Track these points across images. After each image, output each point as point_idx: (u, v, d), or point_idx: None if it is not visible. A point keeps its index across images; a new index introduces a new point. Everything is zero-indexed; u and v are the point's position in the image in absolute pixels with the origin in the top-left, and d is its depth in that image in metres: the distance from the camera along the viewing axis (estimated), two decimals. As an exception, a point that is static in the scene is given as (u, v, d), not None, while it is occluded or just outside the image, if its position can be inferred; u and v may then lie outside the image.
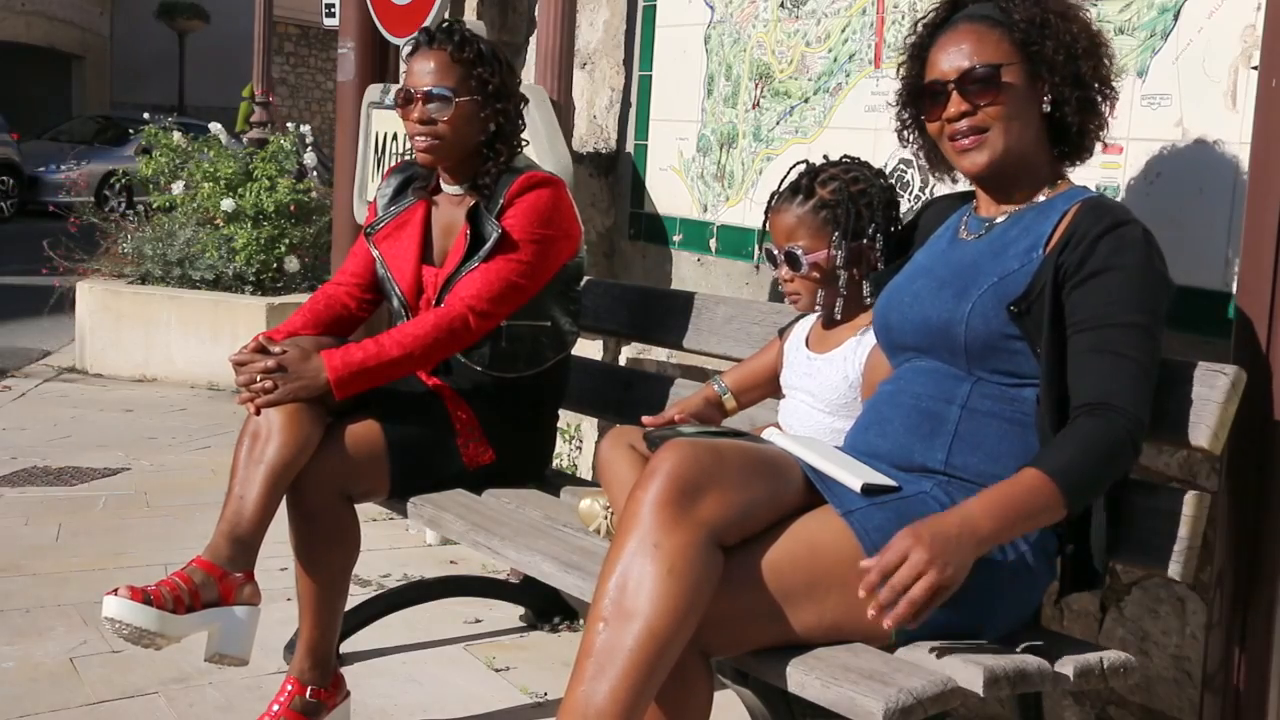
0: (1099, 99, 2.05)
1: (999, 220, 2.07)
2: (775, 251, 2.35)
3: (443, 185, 2.85)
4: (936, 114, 2.05)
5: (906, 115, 2.20)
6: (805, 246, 2.30)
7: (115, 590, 2.31)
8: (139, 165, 7.72)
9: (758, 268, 2.43)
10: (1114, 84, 2.07)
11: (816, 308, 2.36)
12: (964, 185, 2.33)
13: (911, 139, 2.22)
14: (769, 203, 2.38)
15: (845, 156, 2.38)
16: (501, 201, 2.70)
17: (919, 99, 2.12)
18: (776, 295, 3.11)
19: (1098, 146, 2.11)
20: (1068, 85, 2.02)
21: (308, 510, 2.58)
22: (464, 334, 2.65)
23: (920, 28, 2.13)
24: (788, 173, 2.38)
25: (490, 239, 2.67)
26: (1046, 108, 2.03)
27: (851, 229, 2.28)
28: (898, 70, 2.20)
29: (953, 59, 2.02)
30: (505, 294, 2.68)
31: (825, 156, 2.39)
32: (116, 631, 2.32)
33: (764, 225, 2.39)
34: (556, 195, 2.75)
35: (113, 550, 3.87)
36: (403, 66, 2.89)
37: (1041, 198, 2.05)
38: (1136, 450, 1.87)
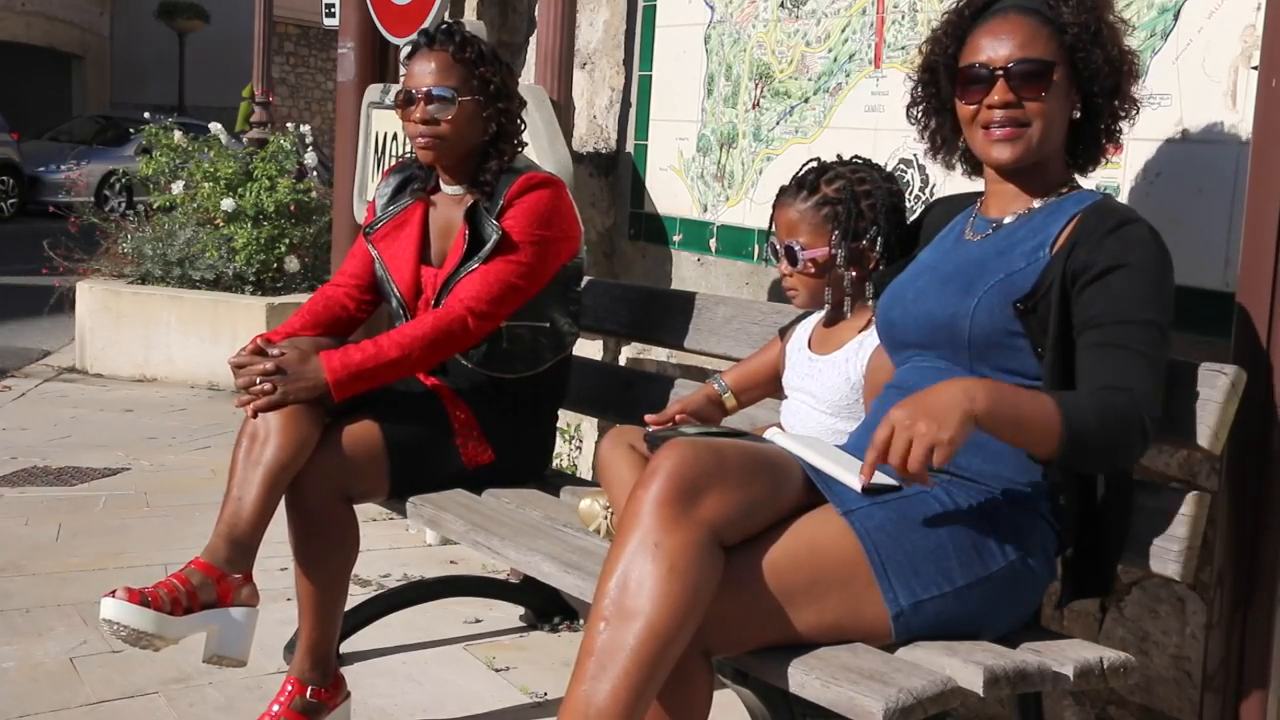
0: (1124, 115, 2.07)
1: (1006, 221, 2.07)
2: (777, 245, 2.36)
3: (442, 185, 2.84)
4: (976, 98, 2.02)
5: (922, 94, 2.17)
6: (804, 243, 2.31)
7: (113, 592, 2.31)
8: (139, 165, 7.72)
9: (766, 262, 2.44)
10: (1140, 102, 2.08)
11: (826, 304, 2.35)
12: (959, 177, 2.33)
13: (921, 119, 2.19)
14: (777, 197, 2.39)
15: (857, 157, 2.38)
16: (501, 202, 2.70)
17: (950, 79, 2.09)
18: (777, 295, 3.11)
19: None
20: (1104, 97, 2.02)
21: (307, 510, 2.58)
22: (463, 336, 2.65)
23: (965, 8, 2.09)
24: (800, 168, 2.38)
25: (490, 240, 2.67)
26: (1075, 114, 2.03)
27: (851, 229, 2.28)
28: (921, 48, 2.17)
29: (1003, 46, 1.99)
30: (504, 295, 2.68)
31: (839, 156, 2.39)
32: (114, 633, 2.32)
33: (771, 219, 2.40)
34: (556, 196, 2.75)
35: (113, 550, 3.87)
36: (402, 68, 2.89)
37: (1051, 199, 2.05)
38: (1145, 440, 1.84)
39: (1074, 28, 1.99)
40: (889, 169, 2.90)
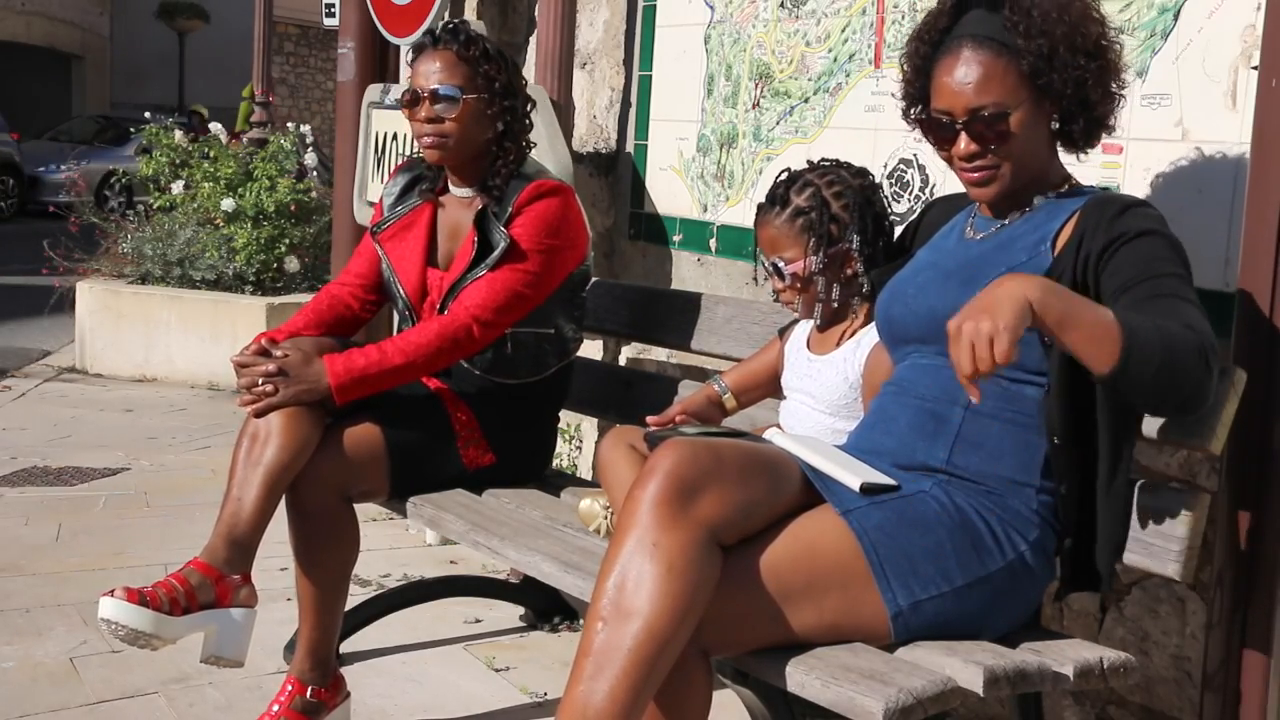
0: (1114, 99, 2.05)
1: (1008, 220, 2.07)
2: (765, 263, 2.36)
3: (450, 187, 2.84)
4: (945, 146, 2.03)
5: (913, 107, 2.16)
6: (788, 257, 2.30)
7: (112, 591, 2.32)
8: (139, 165, 7.72)
9: (755, 280, 2.43)
10: (1124, 90, 2.06)
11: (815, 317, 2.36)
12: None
13: (917, 123, 2.18)
14: (755, 214, 2.38)
15: (825, 159, 2.37)
16: (510, 209, 2.69)
17: (923, 115, 2.08)
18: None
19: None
20: (1076, 108, 2.01)
21: (307, 510, 2.58)
22: (467, 343, 2.65)
23: (924, 37, 2.07)
24: (773, 182, 2.37)
25: (498, 247, 2.66)
26: (1055, 125, 2.02)
27: (826, 235, 2.27)
28: (900, 65, 2.16)
29: (960, 92, 1.97)
30: (510, 303, 2.67)
31: (809, 161, 2.38)
32: (113, 633, 2.32)
33: (754, 238, 2.39)
34: (566, 204, 2.74)
35: (113, 550, 3.87)
36: (404, 69, 2.89)
37: (1050, 196, 2.05)
38: (1210, 375, 1.73)
39: (1029, 56, 1.95)
40: (889, 169, 2.91)
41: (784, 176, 2.35)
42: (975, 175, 2.02)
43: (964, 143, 1.99)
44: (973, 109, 1.97)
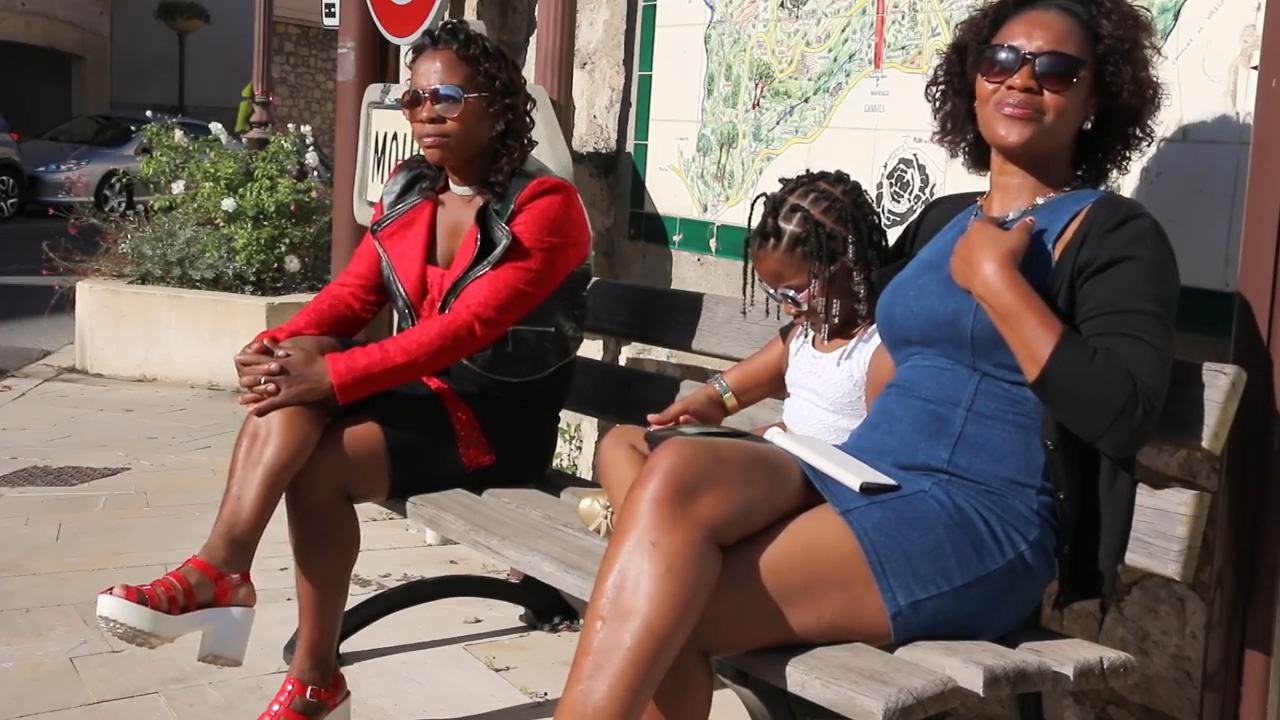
0: (1137, 141, 2.08)
1: (1010, 218, 2.07)
2: (773, 292, 2.34)
3: (451, 185, 2.84)
4: (999, 78, 2.02)
5: (945, 74, 2.16)
6: (797, 285, 2.30)
7: (110, 589, 2.31)
8: (140, 165, 7.72)
9: (744, 313, 2.43)
10: (1153, 135, 2.09)
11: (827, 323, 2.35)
12: (959, 178, 2.32)
13: (939, 98, 2.19)
14: (745, 247, 2.37)
15: (803, 175, 2.36)
16: (512, 206, 2.69)
17: (977, 59, 2.07)
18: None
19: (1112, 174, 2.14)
20: (1120, 117, 2.03)
21: (307, 510, 2.58)
22: (469, 342, 2.65)
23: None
24: (751, 209, 2.36)
25: (500, 245, 2.66)
26: (1087, 125, 2.04)
27: (827, 254, 2.27)
28: (956, 28, 2.17)
29: (1037, 37, 2.00)
30: (512, 302, 2.67)
31: (782, 180, 2.37)
32: (111, 630, 2.32)
33: (749, 268, 2.38)
34: (567, 202, 2.74)
35: (113, 550, 3.87)
36: (404, 70, 2.89)
37: (1053, 195, 2.05)
38: (1145, 419, 1.81)
39: (1110, 39, 2.00)
40: (889, 169, 2.91)
41: (765, 204, 2.33)
42: (1019, 111, 2.00)
43: (1023, 77, 1.99)
44: (1049, 50, 1.99)
